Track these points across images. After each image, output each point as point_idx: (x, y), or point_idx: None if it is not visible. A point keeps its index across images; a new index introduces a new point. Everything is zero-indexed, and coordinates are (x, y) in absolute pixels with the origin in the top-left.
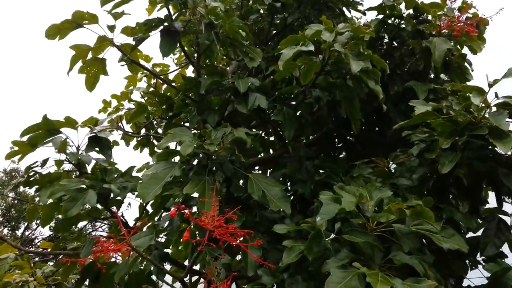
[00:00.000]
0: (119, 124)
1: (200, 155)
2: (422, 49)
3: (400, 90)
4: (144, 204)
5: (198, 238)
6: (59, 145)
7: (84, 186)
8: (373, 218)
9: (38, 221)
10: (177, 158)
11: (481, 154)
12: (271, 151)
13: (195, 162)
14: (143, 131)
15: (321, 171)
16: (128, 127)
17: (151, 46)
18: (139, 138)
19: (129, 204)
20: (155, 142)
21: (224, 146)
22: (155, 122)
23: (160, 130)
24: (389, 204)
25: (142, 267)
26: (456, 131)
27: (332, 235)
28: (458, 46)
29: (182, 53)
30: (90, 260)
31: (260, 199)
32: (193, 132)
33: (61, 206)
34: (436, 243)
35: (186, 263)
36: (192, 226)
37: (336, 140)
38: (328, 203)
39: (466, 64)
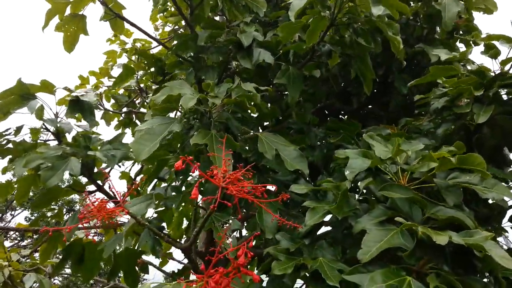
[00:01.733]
0: (99, 102)
1: (203, 110)
2: (427, 13)
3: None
4: (133, 175)
5: (207, 198)
6: (35, 110)
7: (65, 154)
8: (411, 168)
9: (13, 212)
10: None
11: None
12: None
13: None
14: (124, 109)
15: (330, 140)
16: (108, 106)
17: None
18: (121, 117)
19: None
20: (138, 123)
21: (232, 99)
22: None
23: (143, 110)
24: (422, 156)
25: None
26: (481, 84)
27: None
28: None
29: (167, 27)
30: (73, 239)
31: (274, 159)
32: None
33: (38, 177)
34: (480, 194)
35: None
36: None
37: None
38: (355, 157)
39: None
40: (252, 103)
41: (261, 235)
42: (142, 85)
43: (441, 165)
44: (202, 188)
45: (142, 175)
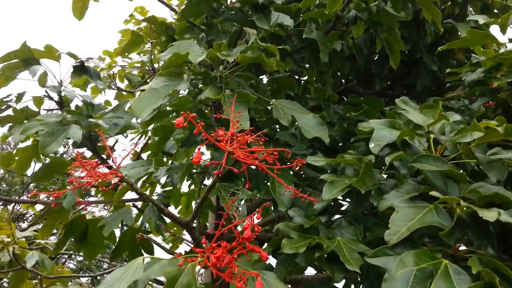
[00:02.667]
0: (112, 82)
1: (213, 75)
2: None
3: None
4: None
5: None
6: (37, 75)
7: (66, 121)
8: (453, 139)
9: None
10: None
11: None
12: None
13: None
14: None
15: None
16: (122, 86)
17: None
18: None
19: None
20: None
21: (248, 57)
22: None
23: None
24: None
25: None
26: None
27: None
28: None
29: None
30: (75, 215)
31: (289, 130)
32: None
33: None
34: None
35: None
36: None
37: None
38: (381, 128)
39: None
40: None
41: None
42: (156, 66)
43: (486, 136)
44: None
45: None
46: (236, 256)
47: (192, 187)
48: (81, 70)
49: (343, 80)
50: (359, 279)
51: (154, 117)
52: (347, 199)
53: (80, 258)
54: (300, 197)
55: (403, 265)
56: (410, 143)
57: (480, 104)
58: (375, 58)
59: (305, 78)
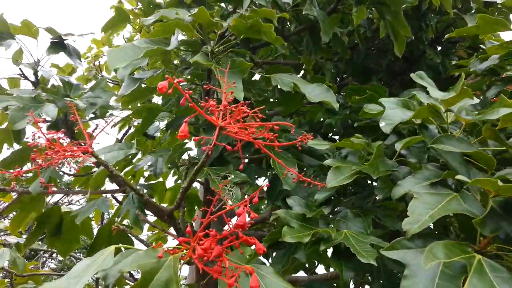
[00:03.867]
0: (98, 72)
1: (204, 50)
2: None
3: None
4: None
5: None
6: (12, 53)
7: (40, 98)
8: (478, 119)
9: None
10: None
11: None
12: None
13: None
14: None
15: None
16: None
17: None
18: None
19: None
20: None
21: (242, 23)
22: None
23: None
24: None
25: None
26: None
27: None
28: None
29: None
30: (50, 207)
31: (292, 91)
32: None
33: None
34: None
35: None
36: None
37: None
38: (394, 107)
39: None
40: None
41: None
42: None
43: None
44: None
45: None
46: (226, 248)
47: (179, 182)
48: (59, 47)
49: (338, 79)
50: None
51: (134, 94)
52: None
53: (62, 258)
54: (300, 186)
55: (433, 257)
56: (426, 125)
57: (496, 92)
58: (374, 52)
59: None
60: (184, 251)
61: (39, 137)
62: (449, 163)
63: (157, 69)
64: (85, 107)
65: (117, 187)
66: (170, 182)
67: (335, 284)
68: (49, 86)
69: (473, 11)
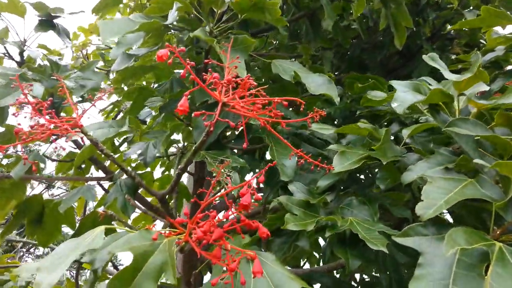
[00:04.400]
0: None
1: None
2: None
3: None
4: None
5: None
6: None
7: (25, 76)
8: (494, 104)
9: None
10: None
11: None
12: None
13: None
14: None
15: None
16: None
17: None
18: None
19: None
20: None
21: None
22: None
23: None
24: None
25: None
26: None
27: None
28: None
29: None
30: (31, 195)
31: (293, 80)
32: None
33: None
34: None
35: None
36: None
37: None
38: (405, 90)
39: None
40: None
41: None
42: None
43: None
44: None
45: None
46: (227, 230)
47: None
48: (48, 25)
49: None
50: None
51: (127, 72)
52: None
53: (40, 252)
54: (300, 174)
55: (454, 243)
56: (438, 109)
57: (500, 85)
58: (370, 47)
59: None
60: (180, 235)
61: (24, 104)
62: (463, 148)
63: (152, 47)
64: (74, 88)
65: (104, 175)
66: (157, 173)
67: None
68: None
69: (471, 7)
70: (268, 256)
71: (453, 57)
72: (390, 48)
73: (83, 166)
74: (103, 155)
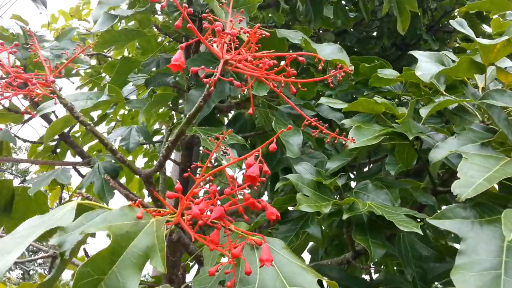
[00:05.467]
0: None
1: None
2: None
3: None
4: None
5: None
6: None
7: None
8: None
9: None
10: None
11: None
12: None
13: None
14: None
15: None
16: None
17: None
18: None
19: None
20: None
21: None
22: None
23: None
24: None
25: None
26: None
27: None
28: None
29: None
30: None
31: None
32: None
33: None
34: None
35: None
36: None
37: None
38: (427, 60)
39: None
40: None
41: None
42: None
43: None
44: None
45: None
46: (230, 206)
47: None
48: None
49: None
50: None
51: (110, 36)
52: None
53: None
54: (305, 154)
55: None
56: (466, 82)
57: None
58: (366, 37)
59: None
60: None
61: None
62: (496, 123)
63: (139, 9)
64: (49, 58)
65: (80, 159)
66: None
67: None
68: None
69: None
70: (277, 243)
71: (450, 51)
72: (386, 40)
73: (58, 150)
74: (79, 137)
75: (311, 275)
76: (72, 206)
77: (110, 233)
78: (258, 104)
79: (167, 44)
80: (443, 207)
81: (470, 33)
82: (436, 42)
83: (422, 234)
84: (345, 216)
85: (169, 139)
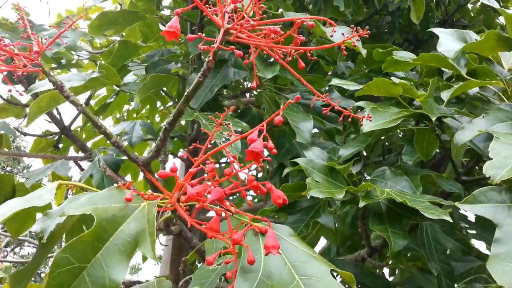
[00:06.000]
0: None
1: None
2: None
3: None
4: None
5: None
6: None
7: None
8: None
9: None
10: None
11: None
12: None
13: None
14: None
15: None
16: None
17: None
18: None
19: None
20: None
21: None
22: None
23: None
24: None
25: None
26: None
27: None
28: None
29: None
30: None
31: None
32: None
33: None
34: None
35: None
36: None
37: None
38: (448, 38)
39: None
40: None
41: None
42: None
43: None
44: None
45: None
46: (232, 189)
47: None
48: None
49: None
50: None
51: (104, 18)
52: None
53: (25, 252)
54: (315, 143)
55: None
56: (492, 60)
57: None
58: (376, 33)
59: None
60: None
61: None
62: None
63: None
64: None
65: (81, 154)
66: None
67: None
68: None
69: None
70: (283, 229)
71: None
72: (398, 36)
73: (60, 146)
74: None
75: (324, 265)
76: (52, 186)
77: (94, 216)
78: (265, 89)
79: None
80: (476, 190)
81: (494, 4)
82: None
83: (452, 221)
84: (361, 204)
85: (166, 120)
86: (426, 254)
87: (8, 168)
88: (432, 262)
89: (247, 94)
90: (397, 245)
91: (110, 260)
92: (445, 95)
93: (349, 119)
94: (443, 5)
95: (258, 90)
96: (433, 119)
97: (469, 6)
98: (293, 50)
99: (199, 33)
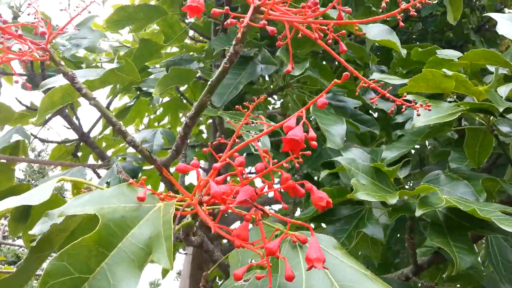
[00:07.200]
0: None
1: None
2: None
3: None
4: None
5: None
6: None
7: None
8: None
9: None
10: None
11: None
12: None
13: None
14: None
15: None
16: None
17: None
18: None
19: None
20: None
21: None
22: None
23: None
24: None
25: None
26: None
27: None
28: None
29: None
30: (16, 183)
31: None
32: None
33: None
34: None
35: None
36: None
37: None
38: (507, 23)
39: None
40: None
41: None
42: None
43: None
44: None
45: None
46: (264, 189)
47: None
48: None
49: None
50: None
51: (123, 12)
52: None
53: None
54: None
55: None
56: None
57: None
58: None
59: None
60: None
61: None
62: None
63: None
64: (68, 48)
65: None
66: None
67: None
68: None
69: None
70: (326, 240)
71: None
72: (431, 42)
73: (79, 154)
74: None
75: (376, 284)
76: (51, 183)
77: (99, 216)
78: (294, 89)
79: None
80: None
81: None
82: (484, 44)
83: None
84: (418, 212)
85: (187, 114)
86: (497, 274)
87: (32, 181)
88: (506, 284)
89: (272, 99)
90: (464, 261)
91: (117, 270)
92: (504, 89)
93: (403, 110)
94: (478, 10)
95: (285, 91)
96: (500, 110)
97: (506, 11)
98: (333, 32)
99: (226, 7)
